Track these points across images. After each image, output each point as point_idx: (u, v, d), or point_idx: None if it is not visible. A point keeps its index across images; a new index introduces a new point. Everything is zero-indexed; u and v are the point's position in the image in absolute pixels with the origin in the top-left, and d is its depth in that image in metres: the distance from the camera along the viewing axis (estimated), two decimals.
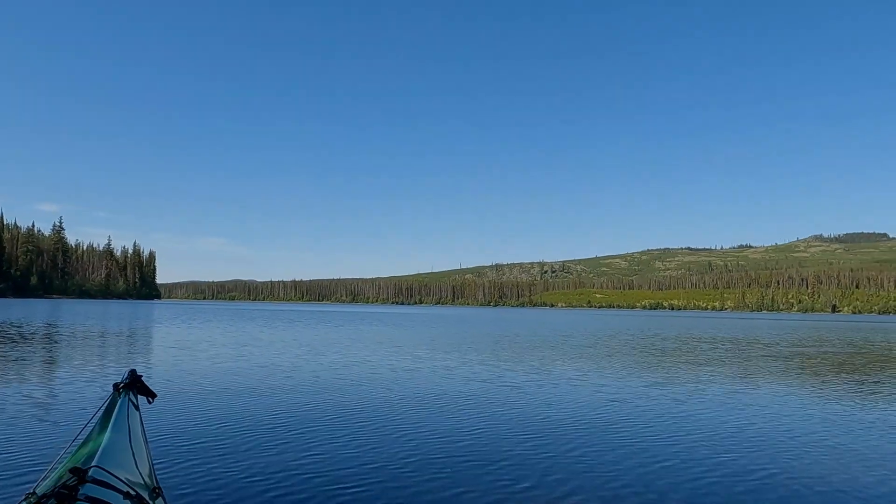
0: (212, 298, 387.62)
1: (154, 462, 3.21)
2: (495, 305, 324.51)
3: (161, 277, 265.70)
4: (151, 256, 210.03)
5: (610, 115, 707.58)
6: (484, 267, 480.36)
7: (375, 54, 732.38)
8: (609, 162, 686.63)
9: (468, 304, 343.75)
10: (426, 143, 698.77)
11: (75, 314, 49.62)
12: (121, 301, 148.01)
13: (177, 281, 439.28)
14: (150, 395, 3.62)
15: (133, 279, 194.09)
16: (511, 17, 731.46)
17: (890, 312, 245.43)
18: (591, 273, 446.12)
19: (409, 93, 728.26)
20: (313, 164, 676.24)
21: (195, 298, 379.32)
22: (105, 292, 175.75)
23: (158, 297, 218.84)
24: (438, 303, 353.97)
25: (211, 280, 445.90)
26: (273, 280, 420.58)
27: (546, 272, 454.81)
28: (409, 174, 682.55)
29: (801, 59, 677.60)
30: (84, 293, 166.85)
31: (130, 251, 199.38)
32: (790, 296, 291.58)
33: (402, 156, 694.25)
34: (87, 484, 2.37)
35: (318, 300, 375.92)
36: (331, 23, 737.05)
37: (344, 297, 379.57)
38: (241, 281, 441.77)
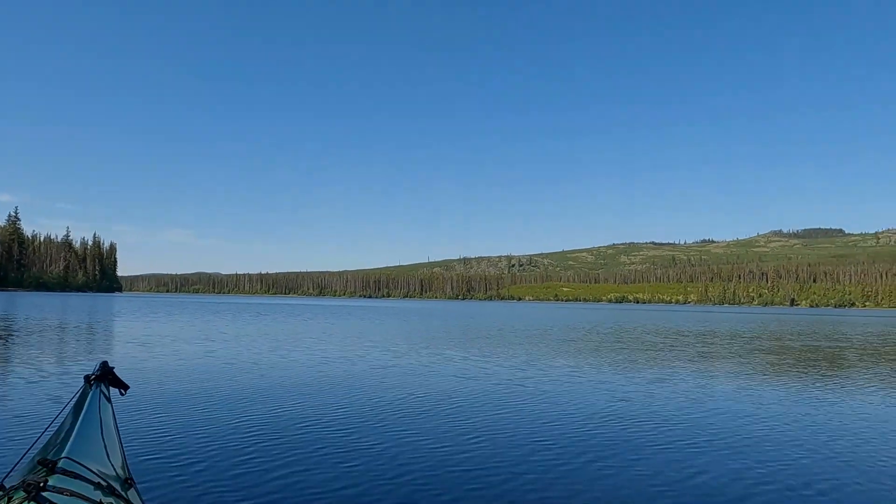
0: (175, 291, 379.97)
1: (127, 453, 3.17)
2: (463, 299, 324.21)
3: (122, 270, 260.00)
4: (112, 248, 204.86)
5: (577, 110, 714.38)
6: (452, 260, 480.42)
7: (341, 44, 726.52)
8: (576, 157, 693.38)
9: (436, 297, 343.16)
10: (392, 135, 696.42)
11: (31, 307, 47.68)
12: (80, 294, 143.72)
13: (139, 273, 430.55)
14: (123, 387, 3.52)
15: (93, 271, 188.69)
16: (477, 5, 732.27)
17: (846, 305, 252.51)
18: (557, 267, 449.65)
19: (374, 84, 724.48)
20: (279, 156, 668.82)
21: (158, 291, 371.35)
22: (63, 285, 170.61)
23: (120, 289, 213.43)
24: (406, 296, 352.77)
25: (174, 273, 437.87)
26: (238, 273, 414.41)
27: (514, 266, 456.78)
28: (376, 167, 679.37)
29: (762, 55, 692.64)
30: (41, 286, 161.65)
31: (90, 243, 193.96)
32: (751, 289, 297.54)
33: (368, 148, 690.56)
34: (57, 475, 2.32)
35: (285, 293, 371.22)
36: (299, 17, 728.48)
37: (311, 291, 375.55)
38: (206, 274, 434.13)
